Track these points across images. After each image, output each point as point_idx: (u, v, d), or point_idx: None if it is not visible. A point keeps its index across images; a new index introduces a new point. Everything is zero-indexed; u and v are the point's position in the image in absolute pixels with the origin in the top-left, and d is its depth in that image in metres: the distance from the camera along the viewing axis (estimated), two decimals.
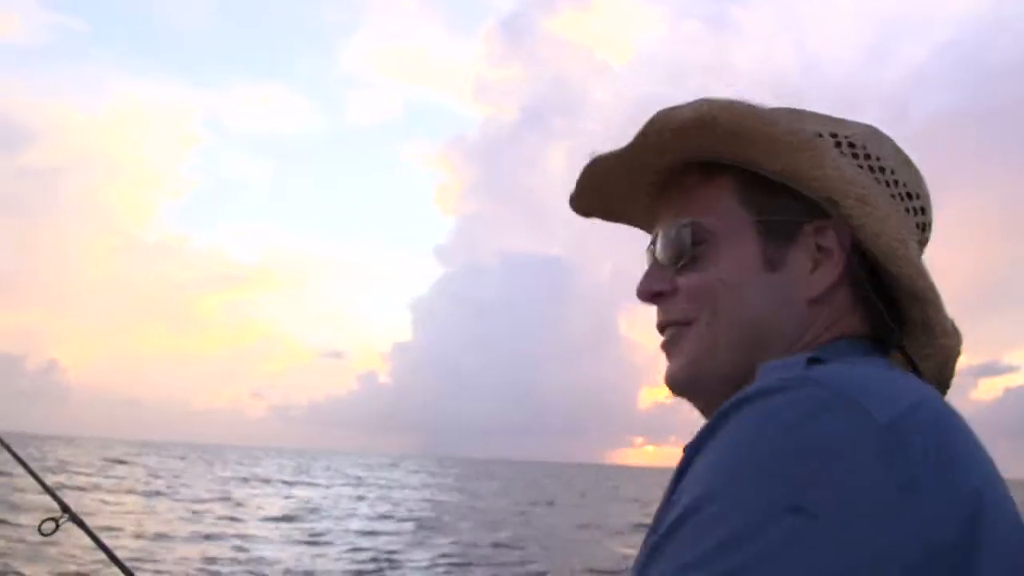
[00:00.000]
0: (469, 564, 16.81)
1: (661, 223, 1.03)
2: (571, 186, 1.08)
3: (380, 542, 19.52)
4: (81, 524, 1.81)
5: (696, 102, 0.93)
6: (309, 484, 46.31)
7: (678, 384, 1.00)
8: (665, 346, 1.02)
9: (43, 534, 1.82)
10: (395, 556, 17.28)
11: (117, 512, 21.90)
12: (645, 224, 1.11)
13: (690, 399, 1.01)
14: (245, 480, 45.68)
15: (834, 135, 0.97)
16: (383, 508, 30.33)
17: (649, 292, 1.02)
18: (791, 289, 0.95)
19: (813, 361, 0.83)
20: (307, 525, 22.47)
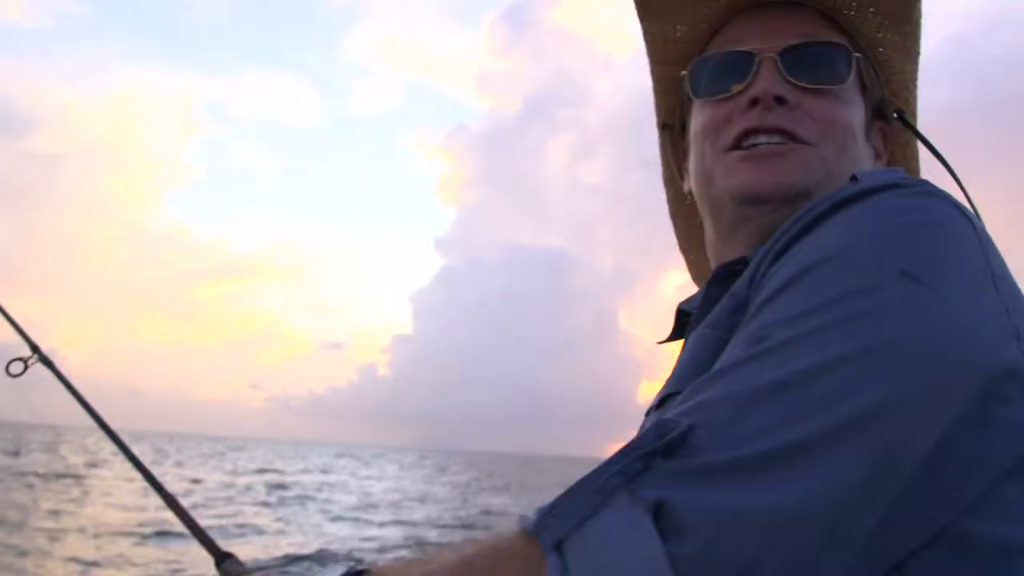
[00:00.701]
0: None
1: (780, 35, 1.04)
2: None
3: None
4: (50, 365, 1.70)
5: None
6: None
7: (788, 189, 0.99)
8: (763, 152, 1.01)
9: (11, 375, 1.70)
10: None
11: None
12: (689, 22, 1.13)
13: (775, 210, 0.99)
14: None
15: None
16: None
17: (774, 94, 1.01)
18: (866, 165, 1.05)
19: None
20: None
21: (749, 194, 1.00)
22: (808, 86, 1.01)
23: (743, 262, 0.96)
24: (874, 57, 1.08)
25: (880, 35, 1.07)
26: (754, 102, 1.02)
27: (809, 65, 1.02)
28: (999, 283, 0.75)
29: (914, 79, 1.10)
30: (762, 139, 1.01)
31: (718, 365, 0.76)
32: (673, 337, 1.17)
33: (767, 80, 1.01)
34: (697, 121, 1.10)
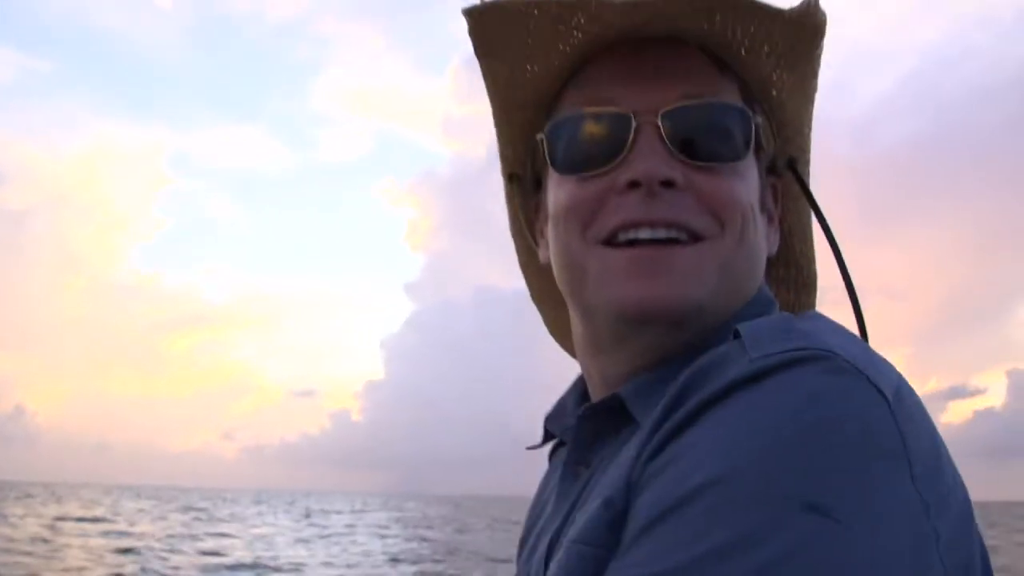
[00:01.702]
0: None
1: (660, 89, 0.85)
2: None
3: None
4: None
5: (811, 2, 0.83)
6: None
7: (677, 310, 0.81)
8: (648, 256, 0.82)
9: None
10: None
11: None
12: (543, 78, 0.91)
13: (663, 333, 0.83)
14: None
15: None
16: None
17: (661, 177, 0.82)
18: (763, 241, 0.90)
19: (777, 308, 0.84)
20: None
21: (632, 315, 0.82)
22: (701, 164, 0.83)
23: (617, 400, 0.84)
24: (766, 101, 0.90)
25: (775, 76, 0.87)
26: (633, 184, 0.82)
27: (701, 134, 0.83)
28: (918, 482, 0.64)
29: (809, 122, 0.93)
30: (645, 234, 0.82)
31: None
32: (545, 440, 1.06)
33: (649, 157, 0.81)
34: (558, 195, 0.89)
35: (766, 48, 0.84)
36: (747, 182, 0.85)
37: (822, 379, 0.65)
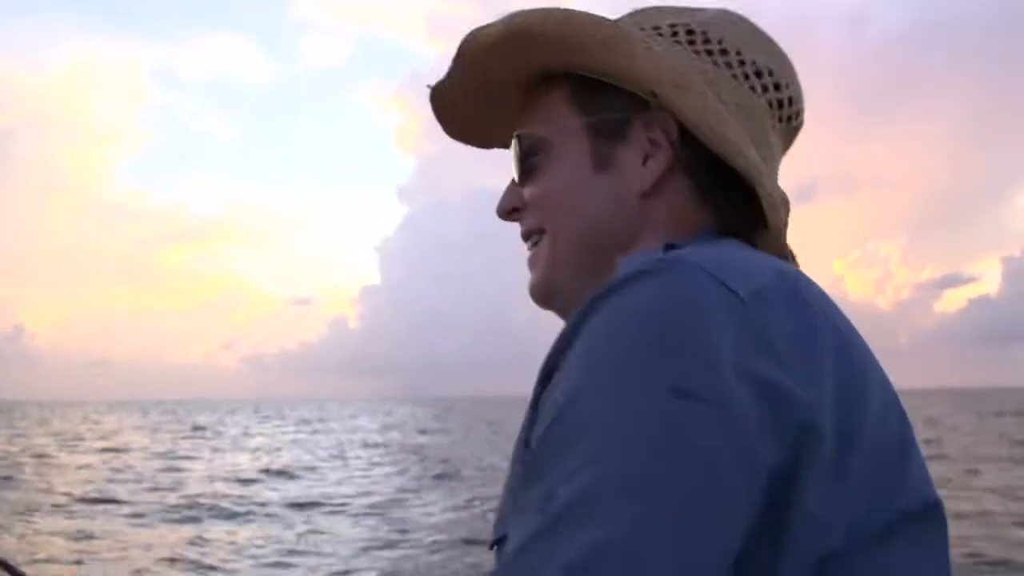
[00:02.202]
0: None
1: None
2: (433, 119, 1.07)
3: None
4: None
5: (506, 17, 0.93)
6: None
7: (536, 297, 1.00)
8: (529, 260, 1.01)
9: None
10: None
11: None
12: None
13: (551, 310, 0.99)
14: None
15: (657, 27, 0.95)
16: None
17: (504, 209, 1.01)
18: (622, 187, 0.93)
19: (670, 247, 0.82)
20: None
21: (533, 301, 1.01)
22: (520, 180, 1.00)
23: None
24: (598, 72, 0.94)
25: (567, 61, 0.94)
26: None
27: (512, 161, 1.00)
28: (777, 370, 0.69)
29: (636, 50, 0.90)
30: (528, 246, 1.01)
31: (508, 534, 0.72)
32: None
33: (502, 197, 1.02)
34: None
35: (541, 57, 0.95)
36: (551, 173, 0.96)
37: (664, 283, 0.72)
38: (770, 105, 0.95)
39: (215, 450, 32.44)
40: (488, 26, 0.94)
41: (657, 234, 0.92)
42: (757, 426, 0.67)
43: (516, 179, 1.00)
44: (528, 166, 0.98)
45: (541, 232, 0.98)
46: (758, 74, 0.94)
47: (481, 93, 1.02)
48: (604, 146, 0.94)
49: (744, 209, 0.91)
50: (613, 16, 0.97)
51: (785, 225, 0.92)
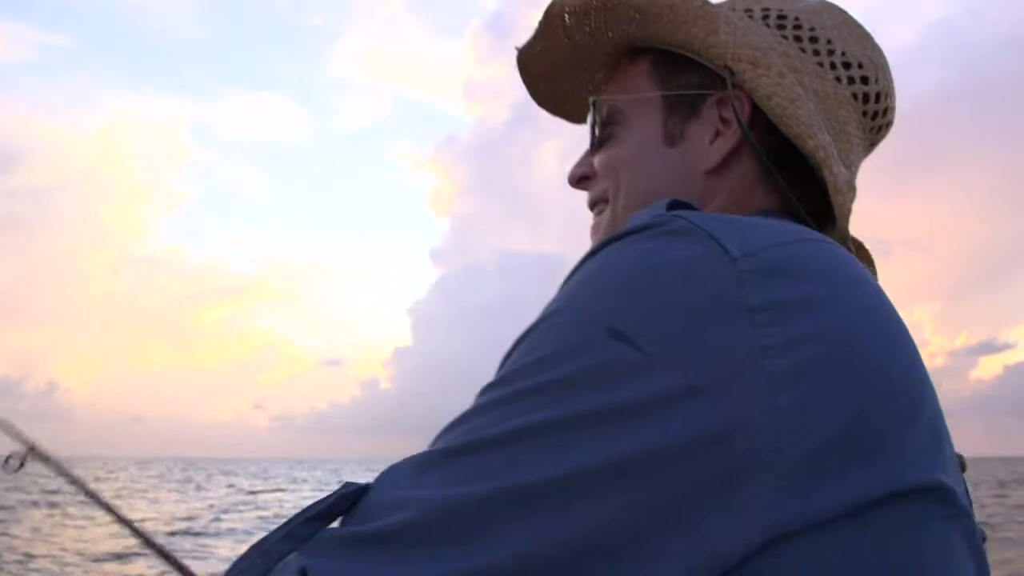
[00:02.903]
0: None
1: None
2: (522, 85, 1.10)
3: None
4: (47, 460, 1.75)
5: None
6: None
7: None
8: (592, 227, 1.03)
9: (7, 471, 1.70)
10: None
11: None
12: None
13: None
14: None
15: (749, 9, 0.95)
16: None
17: (575, 176, 1.03)
18: (689, 162, 0.93)
19: (676, 205, 0.78)
20: None
21: None
22: (594, 148, 1.02)
23: None
24: (679, 46, 0.95)
25: (651, 33, 0.96)
26: None
27: (588, 130, 1.03)
28: (759, 328, 0.63)
29: (718, 26, 0.91)
30: (594, 214, 1.03)
31: None
32: None
33: (574, 165, 1.04)
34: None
35: (625, 27, 0.97)
36: (624, 142, 0.98)
37: (659, 237, 0.69)
38: (855, 97, 0.94)
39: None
40: None
41: (717, 211, 0.91)
42: (683, 383, 0.61)
43: (590, 147, 1.02)
44: (603, 135, 1.00)
45: (607, 201, 0.99)
46: (846, 65, 0.93)
47: (568, 60, 1.03)
48: (677, 120, 0.94)
49: (812, 196, 0.90)
50: None
51: (849, 211, 0.91)
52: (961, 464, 0.79)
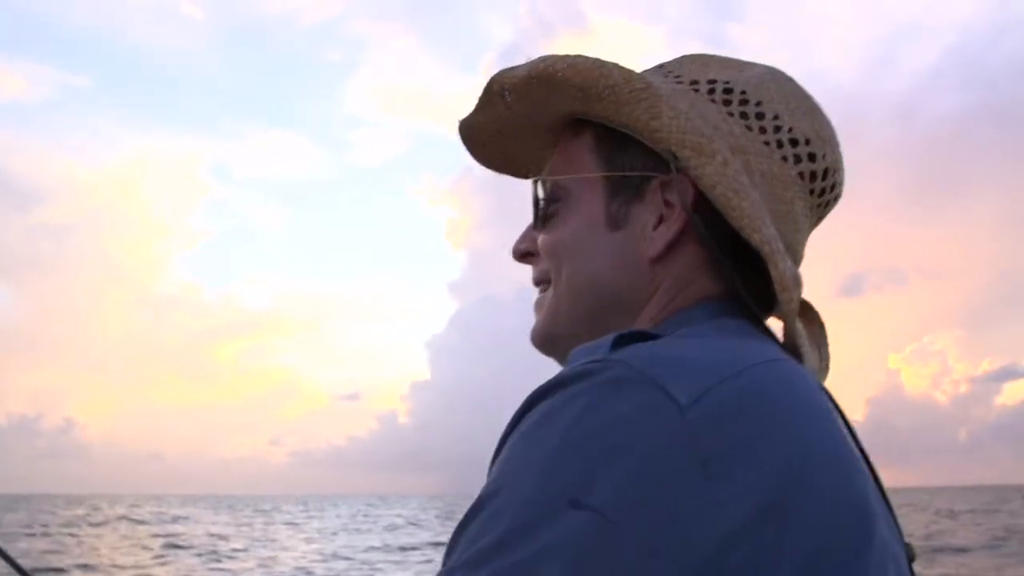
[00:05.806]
0: None
1: None
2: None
3: None
4: None
5: (535, 60, 0.93)
6: None
7: (535, 342, 1.00)
8: (536, 303, 1.01)
9: None
10: None
11: None
12: None
13: (551, 356, 1.00)
14: None
15: (695, 81, 0.93)
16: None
17: (518, 251, 1.02)
18: (633, 248, 0.91)
19: (621, 340, 0.78)
20: None
21: (532, 344, 1.02)
22: (537, 225, 1.00)
23: None
24: (622, 125, 0.91)
25: (594, 112, 0.93)
26: None
27: (534, 207, 1.00)
28: (712, 481, 0.66)
29: (661, 109, 0.88)
30: (538, 291, 1.02)
31: None
32: None
33: (518, 238, 1.03)
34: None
35: (568, 103, 0.95)
36: (566, 223, 0.95)
37: (601, 388, 0.71)
38: (801, 176, 0.92)
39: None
40: (516, 67, 0.94)
41: (662, 301, 0.90)
42: (648, 545, 0.64)
43: (533, 224, 1.00)
44: (546, 212, 0.98)
45: (551, 282, 0.97)
46: (793, 142, 0.91)
47: (510, 130, 1.03)
48: (621, 203, 0.92)
49: (759, 280, 0.87)
50: (669, 57, 0.99)
51: (796, 308, 0.88)
52: (909, 555, 0.83)
